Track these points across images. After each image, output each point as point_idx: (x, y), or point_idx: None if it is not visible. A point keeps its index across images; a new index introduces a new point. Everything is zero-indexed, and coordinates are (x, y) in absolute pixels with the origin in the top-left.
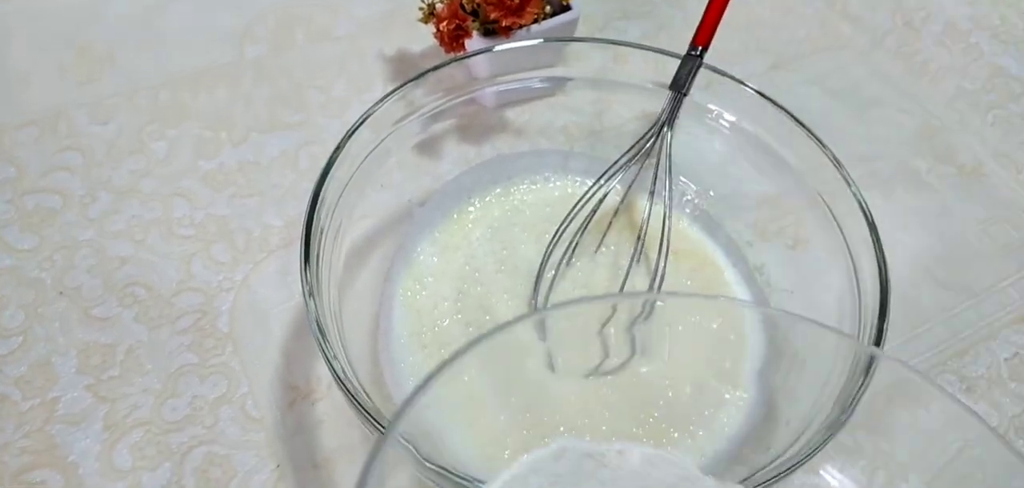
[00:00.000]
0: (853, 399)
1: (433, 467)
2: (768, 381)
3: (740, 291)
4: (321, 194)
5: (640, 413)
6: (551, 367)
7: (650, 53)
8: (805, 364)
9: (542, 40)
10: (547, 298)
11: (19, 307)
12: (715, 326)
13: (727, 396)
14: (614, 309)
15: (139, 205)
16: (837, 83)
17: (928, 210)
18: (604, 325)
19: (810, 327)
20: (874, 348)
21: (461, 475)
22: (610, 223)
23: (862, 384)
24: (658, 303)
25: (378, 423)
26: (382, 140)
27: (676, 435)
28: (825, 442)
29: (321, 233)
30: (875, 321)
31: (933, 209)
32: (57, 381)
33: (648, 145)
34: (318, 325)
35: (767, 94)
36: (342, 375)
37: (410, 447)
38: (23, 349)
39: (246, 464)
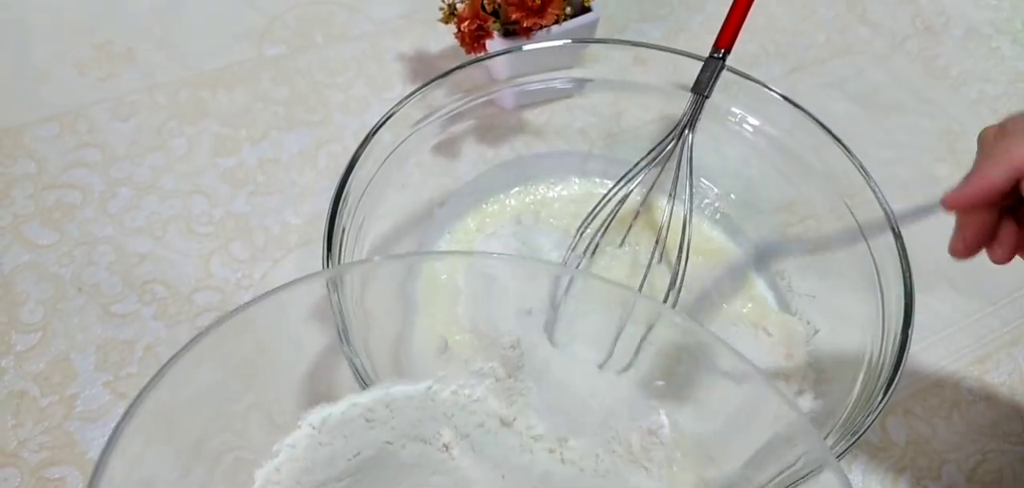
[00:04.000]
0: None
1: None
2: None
3: (764, 294)
4: (344, 192)
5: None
6: (551, 340)
7: (670, 55)
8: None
9: (569, 41)
10: (567, 287)
11: (38, 303)
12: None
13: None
14: (631, 311)
15: (158, 202)
16: (856, 87)
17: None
18: (620, 330)
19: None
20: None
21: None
22: (631, 225)
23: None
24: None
25: None
26: (402, 141)
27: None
28: None
29: (343, 231)
30: (899, 328)
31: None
32: (76, 378)
33: (669, 147)
34: (342, 318)
35: (791, 98)
36: (362, 372)
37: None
38: (42, 345)
39: None
